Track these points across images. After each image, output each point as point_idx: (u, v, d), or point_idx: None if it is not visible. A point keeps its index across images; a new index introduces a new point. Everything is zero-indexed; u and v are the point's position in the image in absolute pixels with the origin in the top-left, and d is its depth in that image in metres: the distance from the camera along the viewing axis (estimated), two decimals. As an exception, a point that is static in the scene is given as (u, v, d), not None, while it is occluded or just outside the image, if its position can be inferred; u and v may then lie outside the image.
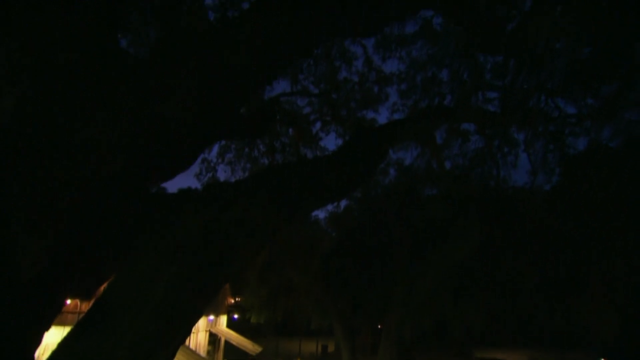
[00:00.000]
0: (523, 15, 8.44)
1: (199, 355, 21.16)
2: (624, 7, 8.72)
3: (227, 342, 29.73)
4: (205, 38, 3.89)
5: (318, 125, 10.75)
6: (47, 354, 3.29)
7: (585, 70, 9.93)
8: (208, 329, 28.08)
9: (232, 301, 36.94)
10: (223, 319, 31.35)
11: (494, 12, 6.58)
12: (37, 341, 3.50)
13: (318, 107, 10.54)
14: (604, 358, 23.55)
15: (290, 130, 10.57)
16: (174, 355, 3.75)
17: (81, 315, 3.77)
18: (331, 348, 36.83)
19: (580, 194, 13.37)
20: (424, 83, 10.28)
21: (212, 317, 27.82)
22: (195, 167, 12.97)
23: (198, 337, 26.60)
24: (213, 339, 29.65)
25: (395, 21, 7.50)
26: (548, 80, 10.27)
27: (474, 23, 5.75)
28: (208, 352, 28.50)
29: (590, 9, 8.44)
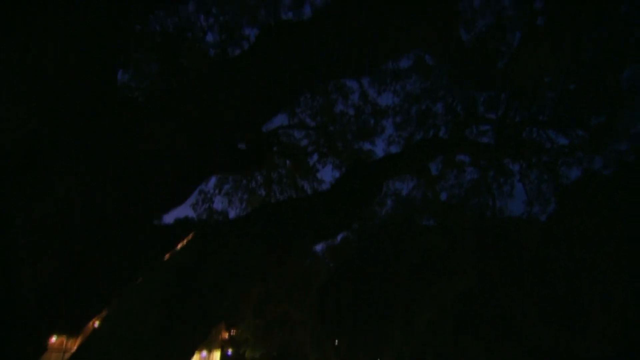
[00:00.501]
0: (513, 52, 8.79)
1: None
2: (608, 42, 9.13)
3: (220, 380, 28.55)
4: (205, 75, 3.99)
5: (315, 157, 10.87)
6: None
7: (573, 102, 10.25)
8: (200, 365, 27.01)
9: (226, 335, 35.78)
10: (216, 354, 30.23)
11: (484, 49, 6.86)
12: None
13: (315, 139, 10.70)
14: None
15: (288, 162, 10.66)
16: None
17: (67, 355, 3.67)
18: (328, 385, 35.36)
19: (576, 222, 13.41)
20: (418, 115, 10.52)
21: (204, 352, 26.84)
22: (193, 197, 12.91)
23: (189, 375, 25.53)
24: (205, 376, 28.47)
25: (388, 60, 7.77)
26: (539, 112, 10.56)
27: (465, 61, 5.98)
28: (200, 391, 27.32)
29: (576, 45, 8.82)
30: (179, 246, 4.26)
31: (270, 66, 3.51)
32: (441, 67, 9.14)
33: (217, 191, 11.99)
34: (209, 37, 10.00)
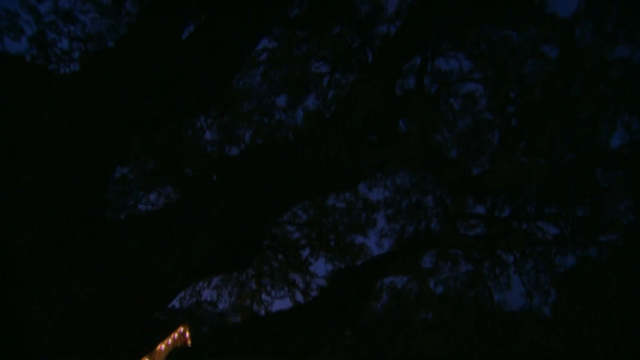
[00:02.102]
0: (492, 151, 9.40)
1: None
2: (577, 143, 9.83)
3: None
4: (200, 182, 4.16)
5: (307, 251, 10.78)
6: None
7: (557, 196, 10.61)
8: None
9: None
10: None
11: (465, 157, 7.33)
12: None
13: (307, 233, 10.72)
14: None
15: (280, 256, 10.55)
16: None
17: None
18: None
19: (579, 312, 12.83)
20: (409, 208, 10.72)
21: None
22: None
23: None
24: None
25: (376, 173, 8.21)
26: (525, 205, 10.84)
27: (446, 166, 6.34)
28: None
29: (549, 143, 9.49)
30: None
31: (263, 179, 3.69)
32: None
33: (205, 285, 11.59)
34: (208, 136, 10.60)
